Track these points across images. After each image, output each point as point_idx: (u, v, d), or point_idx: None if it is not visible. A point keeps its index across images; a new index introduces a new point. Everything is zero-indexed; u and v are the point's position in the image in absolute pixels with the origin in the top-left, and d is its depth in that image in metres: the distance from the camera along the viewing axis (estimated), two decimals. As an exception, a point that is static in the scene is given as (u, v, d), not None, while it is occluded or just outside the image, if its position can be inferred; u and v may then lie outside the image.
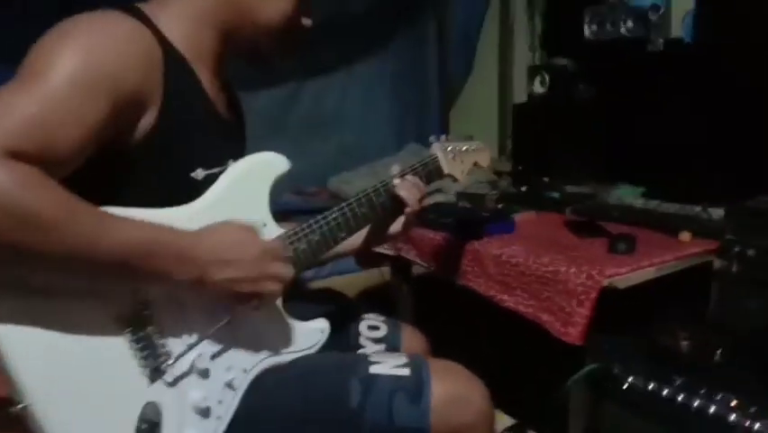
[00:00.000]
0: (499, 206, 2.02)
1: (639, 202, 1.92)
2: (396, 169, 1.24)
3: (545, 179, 2.12)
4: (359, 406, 1.02)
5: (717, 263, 1.54)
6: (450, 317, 2.02)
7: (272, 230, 1.07)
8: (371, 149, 3.03)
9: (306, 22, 1.13)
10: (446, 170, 1.33)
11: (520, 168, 2.30)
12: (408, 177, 1.23)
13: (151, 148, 0.94)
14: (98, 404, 0.87)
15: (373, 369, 1.06)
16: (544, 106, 2.31)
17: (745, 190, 1.56)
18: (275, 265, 0.97)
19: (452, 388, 1.05)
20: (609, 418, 1.36)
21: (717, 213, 1.70)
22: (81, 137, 0.84)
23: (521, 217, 1.88)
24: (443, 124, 3.21)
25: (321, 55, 2.78)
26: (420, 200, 1.22)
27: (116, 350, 0.90)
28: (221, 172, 1.05)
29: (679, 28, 2.10)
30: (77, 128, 0.83)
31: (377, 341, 1.35)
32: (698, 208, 1.76)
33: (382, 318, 1.41)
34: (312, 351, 1.10)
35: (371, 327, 1.37)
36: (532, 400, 1.60)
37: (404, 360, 1.09)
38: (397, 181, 1.21)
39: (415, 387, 1.03)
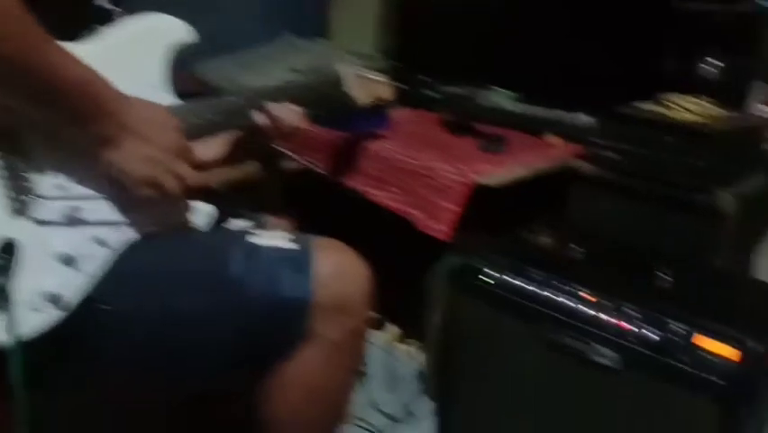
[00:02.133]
0: (383, 103, 1.95)
1: (512, 105, 1.93)
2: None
3: (423, 78, 2.08)
4: (240, 274, 0.97)
5: (582, 166, 1.59)
6: (318, 211, 1.97)
7: (163, 97, 1.00)
8: (243, 37, 2.84)
9: None
10: (350, 91, 1.30)
11: (398, 64, 2.23)
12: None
13: None
14: None
15: (255, 240, 1.01)
16: (426, 2, 2.24)
17: (613, 97, 1.60)
18: (186, 166, 0.93)
19: (337, 261, 1.02)
20: (470, 310, 1.38)
21: (585, 119, 1.74)
22: None
23: (396, 114, 1.83)
24: (322, 15, 3.06)
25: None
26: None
27: None
28: (122, 13, 0.99)
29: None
30: None
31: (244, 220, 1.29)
32: (566, 114, 1.80)
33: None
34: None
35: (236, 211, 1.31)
36: (395, 293, 1.60)
37: (286, 234, 1.05)
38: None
39: (299, 257, 0.99)
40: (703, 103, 1.52)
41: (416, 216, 1.50)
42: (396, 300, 1.57)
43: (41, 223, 0.86)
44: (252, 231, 1.06)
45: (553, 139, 1.65)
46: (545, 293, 1.27)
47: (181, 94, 1.14)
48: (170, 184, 0.91)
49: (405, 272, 1.48)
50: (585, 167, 1.59)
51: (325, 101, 1.26)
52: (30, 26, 0.78)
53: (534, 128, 1.73)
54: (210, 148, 1.19)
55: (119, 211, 0.94)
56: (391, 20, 2.56)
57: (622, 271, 1.28)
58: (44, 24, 0.83)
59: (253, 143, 1.21)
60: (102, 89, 0.86)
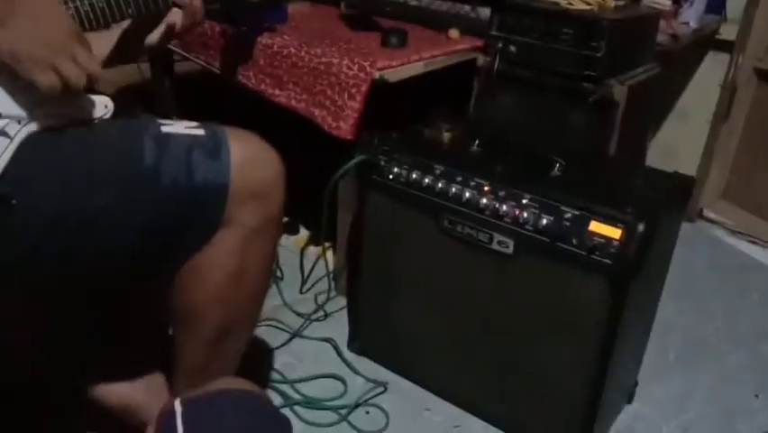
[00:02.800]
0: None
1: (412, -1, 1.89)
2: None
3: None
4: (154, 163, 0.94)
5: (481, 60, 1.59)
6: (216, 114, 1.91)
7: None
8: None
9: None
10: None
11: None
12: None
13: None
14: None
15: (166, 129, 0.98)
16: None
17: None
18: (85, 52, 0.87)
19: (250, 147, 1.01)
20: (375, 207, 1.40)
21: (485, 12, 1.72)
22: None
23: (294, 8, 1.77)
24: None
25: None
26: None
27: None
28: None
29: None
30: None
31: None
32: (467, 7, 1.78)
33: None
34: (94, 122, 0.98)
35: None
36: (303, 196, 1.59)
37: (196, 123, 1.01)
38: None
39: (212, 144, 0.98)
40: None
41: (319, 116, 1.47)
42: (305, 203, 1.57)
43: None
44: (162, 121, 1.01)
45: (453, 33, 1.64)
46: (445, 186, 1.29)
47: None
48: (71, 69, 0.85)
49: (311, 174, 1.47)
50: (484, 60, 1.59)
51: None
52: None
53: (435, 22, 1.70)
54: (100, 42, 1.12)
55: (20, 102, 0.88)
56: None
57: (519, 163, 1.32)
58: None
59: (143, 36, 1.14)
60: None
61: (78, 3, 0.95)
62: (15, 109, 0.89)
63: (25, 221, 0.89)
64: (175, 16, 1.10)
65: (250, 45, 1.57)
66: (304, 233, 1.96)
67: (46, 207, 0.90)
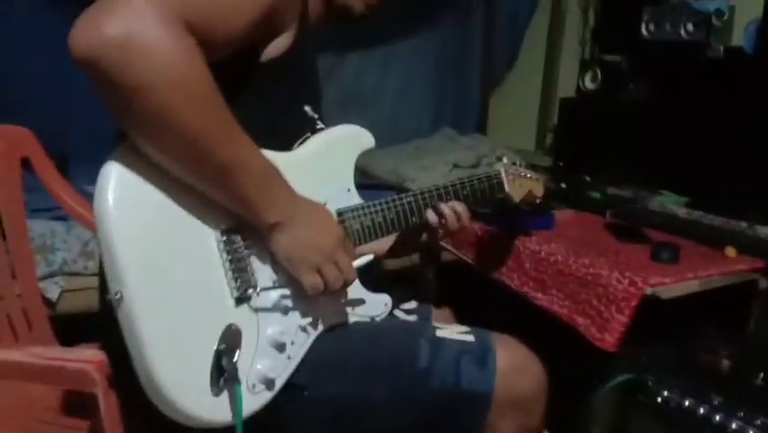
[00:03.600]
0: (537, 201, 1.97)
1: (683, 211, 1.87)
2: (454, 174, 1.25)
3: (587, 178, 2.07)
4: (427, 366, 1.01)
5: (764, 283, 1.49)
6: (474, 307, 1.98)
7: (354, 197, 1.10)
8: (405, 129, 2.99)
9: None
10: (507, 188, 1.33)
11: (561, 164, 2.24)
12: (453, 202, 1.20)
13: (280, 69, 0.97)
14: (187, 308, 0.87)
15: (440, 333, 1.05)
16: (592, 103, 2.25)
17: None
18: (347, 259, 0.98)
19: (516, 357, 1.04)
20: (640, 430, 1.32)
21: (765, 230, 1.64)
22: (237, 31, 0.85)
23: (560, 215, 1.83)
24: (482, 111, 3.15)
25: (362, 31, 2.73)
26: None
27: (212, 263, 0.91)
28: (319, 119, 1.10)
29: (741, 36, 2.04)
30: (238, 20, 0.85)
31: (408, 312, 1.33)
32: (744, 224, 1.71)
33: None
34: (375, 320, 1.10)
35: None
36: (554, 404, 1.56)
37: (466, 328, 1.08)
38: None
39: (480, 352, 1.03)
40: None
41: (582, 323, 1.47)
42: (558, 410, 1.53)
43: (258, 310, 0.94)
44: (437, 324, 1.10)
45: (730, 251, 1.57)
46: (724, 420, 1.19)
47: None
48: (332, 273, 0.95)
49: (563, 378, 1.44)
50: (766, 283, 1.49)
51: (485, 199, 1.30)
52: (221, 115, 0.83)
53: (708, 238, 1.65)
54: (379, 242, 1.26)
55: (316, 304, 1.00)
56: (552, 118, 2.59)
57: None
58: (260, 128, 0.91)
59: (420, 239, 1.26)
60: (277, 185, 0.92)
61: (374, 216, 1.10)
62: (317, 311, 1.01)
63: (310, 409, 0.99)
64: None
65: (516, 248, 1.65)
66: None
67: (330, 396, 1.00)
